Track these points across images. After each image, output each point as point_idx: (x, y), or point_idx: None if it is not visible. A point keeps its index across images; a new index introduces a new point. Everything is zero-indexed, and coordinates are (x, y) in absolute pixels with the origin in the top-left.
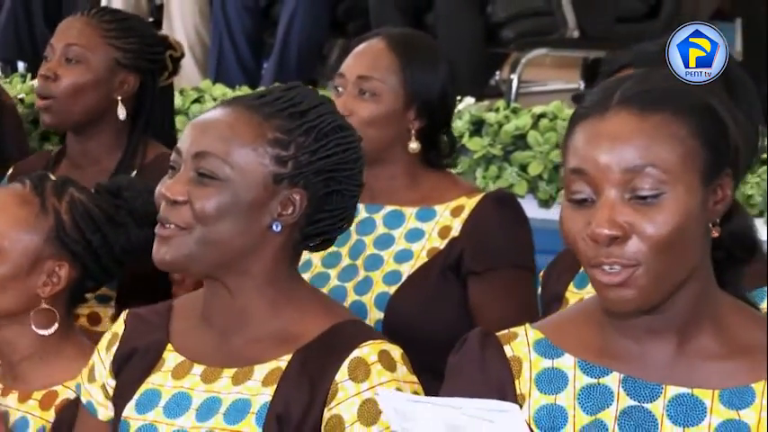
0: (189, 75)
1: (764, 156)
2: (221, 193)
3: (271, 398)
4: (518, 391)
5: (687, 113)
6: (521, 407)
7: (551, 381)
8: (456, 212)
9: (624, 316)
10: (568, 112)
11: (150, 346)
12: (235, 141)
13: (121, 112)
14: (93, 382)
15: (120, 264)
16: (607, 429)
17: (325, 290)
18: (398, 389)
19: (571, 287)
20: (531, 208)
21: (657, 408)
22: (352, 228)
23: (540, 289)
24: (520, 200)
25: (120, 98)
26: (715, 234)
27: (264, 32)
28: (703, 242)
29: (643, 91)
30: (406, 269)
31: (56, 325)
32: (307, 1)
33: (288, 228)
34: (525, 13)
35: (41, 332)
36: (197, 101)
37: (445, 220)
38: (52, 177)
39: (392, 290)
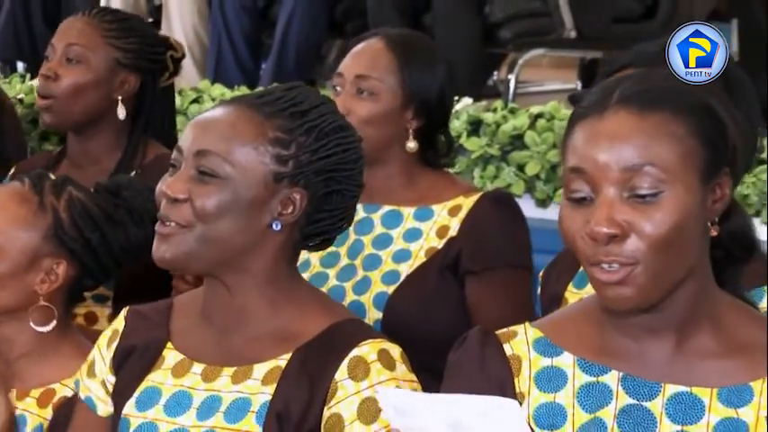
0: (187, 75)
1: (762, 155)
2: (222, 191)
3: (271, 397)
4: (517, 390)
5: (686, 113)
6: (520, 405)
7: (551, 379)
8: (454, 212)
9: (623, 314)
10: (565, 112)
11: (150, 344)
12: (236, 140)
13: (121, 112)
14: (93, 378)
15: (119, 262)
16: (606, 427)
17: (323, 289)
18: (398, 387)
19: (570, 287)
20: (528, 208)
21: (656, 406)
22: (351, 227)
23: (539, 289)
24: (517, 200)
25: (120, 98)
26: (714, 233)
27: (263, 33)
28: (702, 241)
29: (642, 90)
30: (405, 269)
31: (54, 322)
32: (305, 1)
33: (288, 227)
34: (523, 14)
35: (39, 329)
36: (195, 101)
37: (443, 220)
38: (51, 176)
39: (391, 290)
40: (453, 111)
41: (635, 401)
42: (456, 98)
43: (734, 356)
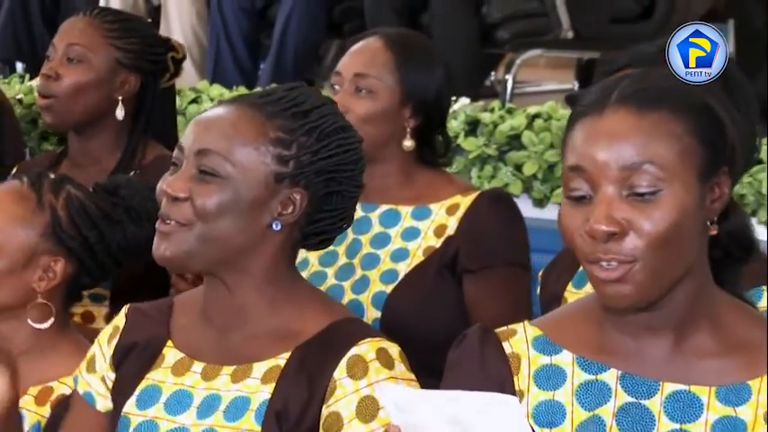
0: (186, 75)
1: (760, 155)
2: (222, 190)
3: (270, 395)
4: (517, 388)
5: (685, 112)
6: (519, 402)
7: (550, 377)
8: (451, 211)
9: (621, 312)
10: (563, 112)
11: (150, 342)
12: (237, 140)
13: (120, 113)
14: (93, 373)
15: (117, 261)
16: (605, 425)
17: (322, 289)
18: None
19: (570, 287)
20: (525, 207)
21: (655, 404)
22: None
23: (538, 289)
24: (514, 199)
25: (120, 98)
26: (713, 232)
27: (261, 33)
28: (700, 240)
29: (641, 89)
30: (403, 268)
31: (51, 320)
32: (303, 2)
33: (288, 227)
34: (520, 14)
35: (37, 326)
36: (194, 101)
37: (441, 219)
38: (50, 174)
39: (389, 289)
40: (451, 111)
41: (634, 400)
42: (453, 98)
43: (732, 355)
